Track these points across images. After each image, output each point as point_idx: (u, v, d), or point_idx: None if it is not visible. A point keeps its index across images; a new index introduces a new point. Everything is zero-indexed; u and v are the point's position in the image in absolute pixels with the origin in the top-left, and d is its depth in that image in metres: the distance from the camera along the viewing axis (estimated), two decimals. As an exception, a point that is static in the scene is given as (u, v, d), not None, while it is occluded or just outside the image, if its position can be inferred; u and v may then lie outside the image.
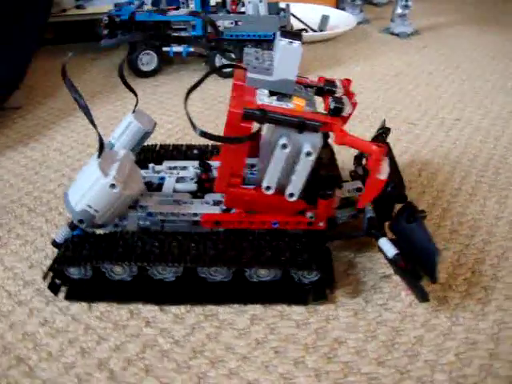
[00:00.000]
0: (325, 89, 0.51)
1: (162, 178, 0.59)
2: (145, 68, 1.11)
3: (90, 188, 0.47)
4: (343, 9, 1.61)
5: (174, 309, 0.51)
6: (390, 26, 1.50)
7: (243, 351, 0.46)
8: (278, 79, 0.47)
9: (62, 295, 0.52)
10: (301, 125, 0.45)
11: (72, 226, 0.53)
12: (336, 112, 0.47)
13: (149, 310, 0.50)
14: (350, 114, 0.49)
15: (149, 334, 0.48)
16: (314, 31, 1.43)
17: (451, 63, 1.25)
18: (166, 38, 1.01)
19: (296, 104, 0.47)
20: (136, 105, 0.58)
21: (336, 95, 0.50)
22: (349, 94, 0.52)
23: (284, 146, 0.47)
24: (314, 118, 0.46)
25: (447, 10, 1.78)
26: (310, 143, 0.47)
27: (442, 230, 0.63)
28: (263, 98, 0.47)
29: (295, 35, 0.46)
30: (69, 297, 0.52)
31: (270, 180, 0.49)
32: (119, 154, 0.51)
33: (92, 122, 0.45)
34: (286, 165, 0.48)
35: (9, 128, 0.88)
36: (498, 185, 0.73)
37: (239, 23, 1.09)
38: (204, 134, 0.44)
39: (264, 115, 0.45)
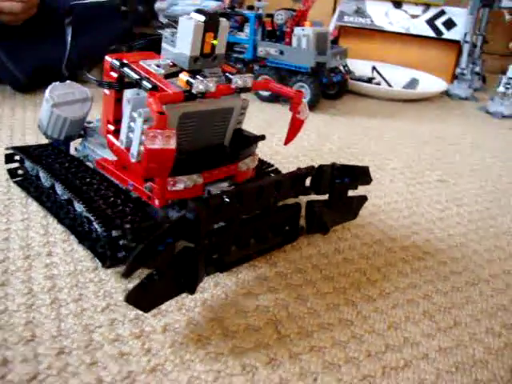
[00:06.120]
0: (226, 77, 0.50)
1: None
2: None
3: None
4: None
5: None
6: (487, 104, 1.31)
7: None
8: (178, 52, 0.47)
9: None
10: (137, 82, 0.46)
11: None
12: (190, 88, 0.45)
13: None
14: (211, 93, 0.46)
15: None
16: (390, 86, 1.36)
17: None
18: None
19: (180, 78, 0.46)
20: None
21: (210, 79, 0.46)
22: (296, 104, 0.54)
23: (128, 101, 0.49)
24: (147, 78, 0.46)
25: None
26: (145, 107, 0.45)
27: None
28: (149, 62, 0.49)
29: (207, 14, 0.45)
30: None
31: (122, 133, 0.51)
32: (75, 87, 0.62)
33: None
34: (130, 121, 0.49)
35: None
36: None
37: (284, 53, 1.12)
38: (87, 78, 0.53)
39: (120, 67, 0.49)
